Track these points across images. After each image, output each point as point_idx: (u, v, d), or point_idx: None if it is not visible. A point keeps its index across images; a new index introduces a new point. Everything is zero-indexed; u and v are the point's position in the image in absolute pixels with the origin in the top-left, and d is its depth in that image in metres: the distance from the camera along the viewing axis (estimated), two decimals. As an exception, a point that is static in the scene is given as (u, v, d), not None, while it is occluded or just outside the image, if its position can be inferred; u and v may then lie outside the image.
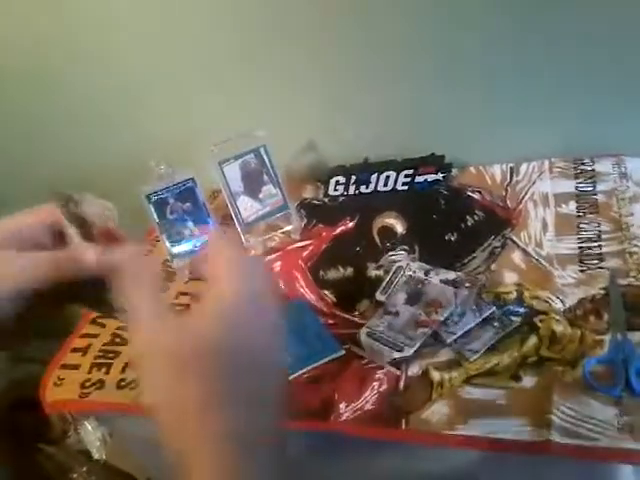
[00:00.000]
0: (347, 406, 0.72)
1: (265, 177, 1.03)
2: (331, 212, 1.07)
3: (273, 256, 1.00)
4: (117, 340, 0.92)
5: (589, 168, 0.96)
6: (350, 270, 0.94)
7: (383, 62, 1.01)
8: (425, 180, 1.04)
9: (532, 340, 0.73)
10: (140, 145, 1.22)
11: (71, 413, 0.90)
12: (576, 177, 0.96)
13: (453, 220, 0.97)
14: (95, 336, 0.93)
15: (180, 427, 0.37)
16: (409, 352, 0.75)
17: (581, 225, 0.88)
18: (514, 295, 0.80)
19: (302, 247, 1.01)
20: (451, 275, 0.84)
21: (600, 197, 0.91)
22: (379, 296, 0.86)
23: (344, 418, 0.71)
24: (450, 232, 0.95)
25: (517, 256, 0.87)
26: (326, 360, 0.78)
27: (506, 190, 0.99)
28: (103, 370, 0.87)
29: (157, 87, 1.18)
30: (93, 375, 0.87)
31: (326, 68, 1.05)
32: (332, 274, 0.95)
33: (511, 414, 0.65)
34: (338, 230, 1.03)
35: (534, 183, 0.98)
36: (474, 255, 0.90)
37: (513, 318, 0.77)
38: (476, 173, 1.05)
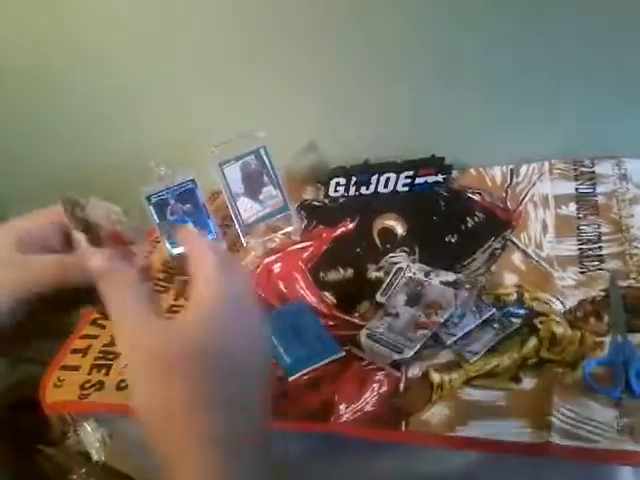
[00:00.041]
0: (347, 407, 0.72)
1: (265, 178, 1.03)
2: (331, 213, 1.07)
3: (273, 257, 1.00)
4: (117, 341, 0.92)
5: (589, 170, 0.96)
6: (350, 271, 0.94)
7: (383, 62, 1.01)
8: (425, 182, 1.04)
9: (532, 342, 0.73)
10: (140, 145, 1.22)
11: (71, 414, 0.89)
12: (576, 179, 0.96)
13: (453, 222, 0.97)
14: (95, 337, 0.93)
15: (166, 428, 0.37)
16: (409, 354, 0.75)
17: (581, 227, 0.88)
18: (514, 297, 0.80)
19: (302, 248, 1.01)
20: (451, 277, 0.84)
21: (600, 199, 0.91)
22: (379, 297, 0.86)
23: (344, 419, 0.71)
24: (450, 234, 0.95)
25: (517, 257, 0.87)
26: (326, 361, 0.78)
27: (506, 192, 0.99)
28: (103, 371, 0.87)
29: (157, 87, 1.18)
30: (93, 376, 0.87)
31: (326, 68, 1.05)
32: (332, 275, 0.95)
33: (511, 416, 0.65)
34: (338, 231, 1.03)
35: (534, 185, 0.98)
36: (474, 257, 0.90)
37: (513, 320, 0.77)
38: (476, 175, 1.05)
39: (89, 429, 0.88)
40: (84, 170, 1.28)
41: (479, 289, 0.81)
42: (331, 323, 0.86)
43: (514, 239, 0.90)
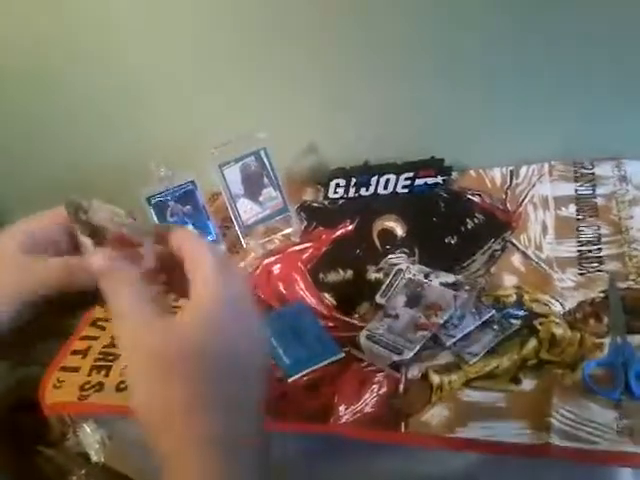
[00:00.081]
0: (347, 409, 0.72)
1: (265, 180, 1.03)
2: (331, 215, 1.07)
3: (273, 259, 1.00)
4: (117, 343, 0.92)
5: (589, 171, 0.97)
6: (350, 273, 0.94)
7: (383, 62, 1.01)
8: (425, 183, 1.04)
9: (532, 343, 0.73)
10: (140, 145, 1.22)
11: (70, 415, 0.89)
12: (576, 180, 0.96)
13: (453, 223, 0.97)
14: (95, 338, 0.93)
15: (165, 429, 0.37)
16: (409, 355, 0.75)
17: (581, 228, 0.88)
18: (514, 298, 0.80)
19: (302, 250, 1.01)
20: (451, 278, 0.84)
21: (600, 200, 0.91)
22: (379, 299, 0.86)
23: (344, 421, 0.71)
24: (450, 235, 0.95)
25: (517, 259, 0.87)
26: (326, 363, 0.78)
27: (506, 193, 0.99)
28: (103, 373, 0.87)
29: (157, 87, 1.18)
30: (92, 378, 0.87)
31: (326, 68, 1.05)
32: (332, 277, 0.95)
33: (511, 417, 0.65)
34: (338, 233, 1.03)
35: (534, 186, 0.98)
36: (474, 258, 0.90)
37: (513, 321, 0.77)
38: (476, 176, 1.05)
39: (88, 430, 0.88)
40: (84, 171, 1.28)
41: (479, 290, 0.81)
42: (331, 324, 0.86)
43: (514, 240, 0.90)
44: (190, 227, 1.01)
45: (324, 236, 1.03)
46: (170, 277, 0.42)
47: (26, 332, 0.41)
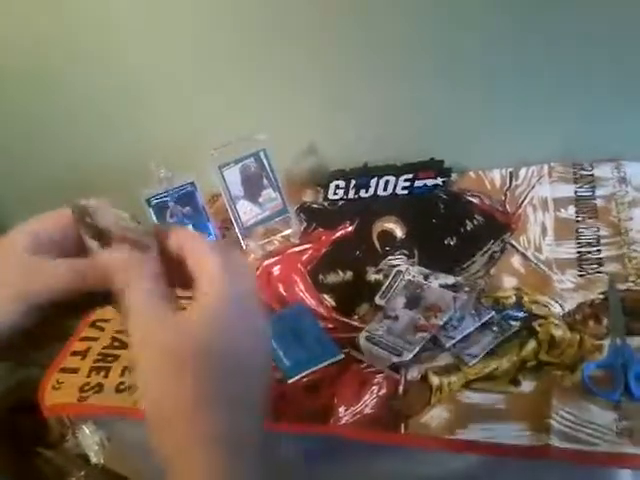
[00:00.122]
0: (346, 410, 0.72)
1: (265, 181, 1.03)
2: (331, 216, 1.07)
3: (272, 260, 1.00)
4: (116, 344, 0.92)
5: (588, 173, 0.97)
6: (349, 274, 0.94)
7: (383, 62, 1.01)
8: (424, 184, 1.04)
9: (531, 344, 0.73)
10: (140, 145, 1.22)
11: (69, 417, 0.89)
12: (575, 182, 0.96)
13: (452, 224, 0.97)
14: (94, 340, 0.93)
15: (171, 427, 0.37)
16: (408, 356, 0.75)
17: (580, 230, 0.88)
18: (513, 299, 0.80)
19: (301, 251, 1.01)
20: (450, 279, 0.84)
21: (599, 202, 0.91)
22: (378, 300, 0.86)
23: (343, 422, 0.71)
24: (449, 236, 0.95)
25: (516, 260, 0.87)
26: (325, 364, 0.78)
27: (505, 195, 0.99)
28: (102, 374, 0.87)
29: (157, 87, 1.18)
30: (92, 379, 0.87)
31: (326, 68, 1.05)
32: (331, 278, 0.95)
33: (510, 419, 0.65)
34: (338, 234, 1.03)
35: (533, 188, 0.98)
36: (473, 259, 0.90)
37: (512, 322, 0.77)
38: (475, 178, 1.05)
39: (88, 432, 0.88)
40: (84, 171, 1.28)
41: (478, 292, 0.81)
42: (330, 326, 0.86)
43: (513, 242, 0.90)
44: (190, 228, 1.01)
45: (324, 237, 1.03)
46: (171, 279, 0.41)
47: (32, 334, 0.40)
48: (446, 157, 1.02)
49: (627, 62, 0.90)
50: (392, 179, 1.05)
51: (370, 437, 0.70)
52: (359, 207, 1.06)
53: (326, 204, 1.10)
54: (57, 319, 0.42)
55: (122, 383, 0.84)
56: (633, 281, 0.77)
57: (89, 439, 0.89)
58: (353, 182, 1.07)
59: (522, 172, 1.02)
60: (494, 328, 0.76)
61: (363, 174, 1.07)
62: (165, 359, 0.37)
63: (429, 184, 1.04)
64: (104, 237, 0.40)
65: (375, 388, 0.74)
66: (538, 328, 0.75)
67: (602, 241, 0.85)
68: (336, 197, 1.10)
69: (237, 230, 1.04)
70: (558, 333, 0.73)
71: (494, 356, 0.73)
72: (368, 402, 0.73)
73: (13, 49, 1.20)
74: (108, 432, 0.89)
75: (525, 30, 0.91)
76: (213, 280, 0.39)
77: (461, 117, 1.03)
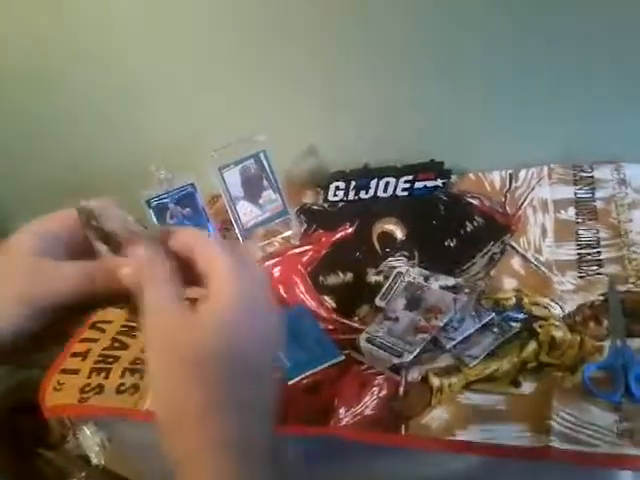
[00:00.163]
0: (347, 411, 0.72)
1: (265, 182, 1.03)
2: (331, 218, 1.07)
3: (273, 261, 1.00)
4: (116, 345, 0.92)
5: (588, 174, 0.97)
6: (350, 276, 0.94)
7: (383, 62, 1.01)
8: (424, 186, 1.04)
9: (531, 346, 0.73)
10: (140, 145, 1.22)
11: (70, 418, 0.89)
12: (575, 183, 0.96)
13: (452, 226, 0.97)
14: (95, 341, 0.93)
15: (181, 430, 0.37)
16: (408, 358, 0.75)
17: (580, 231, 0.88)
18: (513, 301, 0.80)
19: (302, 252, 1.01)
20: (450, 281, 0.84)
21: (599, 203, 0.91)
22: (379, 302, 0.86)
23: (344, 423, 0.71)
24: (449, 238, 0.95)
25: (516, 262, 0.87)
26: (326, 365, 0.79)
27: (505, 196, 0.99)
28: (102, 375, 0.87)
29: (157, 87, 1.18)
30: (92, 380, 0.87)
31: (326, 68, 1.05)
32: (332, 279, 0.95)
33: (511, 420, 0.66)
34: (338, 236, 1.03)
35: (533, 189, 0.98)
36: (473, 261, 0.90)
37: (512, 324, 0.77)
38: (475, 179, 1.05)
39: (88, 433, 0.88)
40: (84, 171, 1.28)
41: (478, 293, 0.82)
42: (331, 327, 0.86)
43: (513, 244, 0.90)
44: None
45: (324, 239, 1.03)
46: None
47: (37, 337, 0.40)
48: (446, 158, 1.03)
49: (627, 62, 0.90)
50: (392, 180, 1.05)
51: (370, 438, 0.70)
52: (359, 208, 1.07)
53: (326, 205, 1.11)
54: (61, 321, 0.42)
55: (123, 384, 0.84)
56: (633, 283, 0.77)
57: (90, 440, 0.89)
58: (353, 183, 1.07)
59: (522, 174, 1.02)
60: (494, 329, 0.76)
61: (363, 175, 1.07)
62: (176, 363, 0.37)
63: (429, 185, 1.04)
64: (111, 240, 0.40)
65: (375, 389, 0.74)
66: (538, 329, 0.75)
67: (602, 243, 0.85)
68: (336, 198, 1.10)
69: (237, 231, 1.04)
70: (558, 334, 0.73)
71: (494, 357, 0.73)
72: (368, 403, 0.73)
73: (13, 49, 1.20)
74: (109, 433, 0.89)
75: (525, 30, 0.91)
76: (223, 281, 0.38)
77: (461, 118, 1.03)
